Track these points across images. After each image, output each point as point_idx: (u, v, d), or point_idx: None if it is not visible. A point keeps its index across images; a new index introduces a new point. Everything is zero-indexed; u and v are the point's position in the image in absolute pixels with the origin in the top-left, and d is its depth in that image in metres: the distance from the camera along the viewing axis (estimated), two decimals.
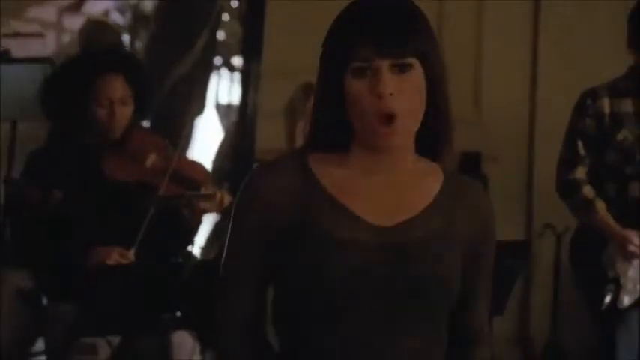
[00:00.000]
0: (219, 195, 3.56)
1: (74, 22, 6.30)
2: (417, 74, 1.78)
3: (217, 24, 6.51)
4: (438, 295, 1.81)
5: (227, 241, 1.86)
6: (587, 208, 3.81)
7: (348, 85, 1.78)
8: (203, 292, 3.05)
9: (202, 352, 3.48)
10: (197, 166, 3.79)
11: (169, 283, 3.21)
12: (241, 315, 1.84)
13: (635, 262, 3.75)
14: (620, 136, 3.79)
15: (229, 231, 1.85)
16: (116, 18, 6.69)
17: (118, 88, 3.51)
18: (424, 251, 1.81)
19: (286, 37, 5.42)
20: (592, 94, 3.85)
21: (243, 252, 1.84)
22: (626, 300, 3.71)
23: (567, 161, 3.87)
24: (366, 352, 1.78)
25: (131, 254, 3.36)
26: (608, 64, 4.16)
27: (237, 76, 6.33)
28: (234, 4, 6.48)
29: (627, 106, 3.82)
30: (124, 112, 3.53)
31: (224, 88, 6.50)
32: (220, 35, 6.55)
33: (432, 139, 1.85)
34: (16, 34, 5.80)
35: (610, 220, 3.78)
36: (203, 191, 3.56)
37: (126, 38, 6.59)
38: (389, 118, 1.76)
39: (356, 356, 1.78)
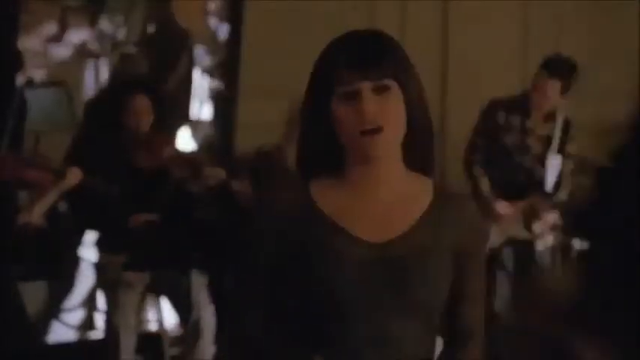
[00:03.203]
0: (217, 170, 4.89)
1: (58, 51, 6.88)
2: (395, 95, 1.90)
3: (194, 49, 7.31)
4: (427, 303, 1.93)
5: (241, 263, 2.02)
6: (475, 181, 5.14)
7: (335, 109, 1.90)
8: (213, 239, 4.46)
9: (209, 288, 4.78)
10: (197, 154, 5.17)
11: (185, 233, 4.59)
12: (256, 320, 1.99)
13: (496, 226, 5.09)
14: (507, 140, 5.14)
15: (244, 254, 2.01)
16: (95, 47, 7.14)
17: (142, 104, 4.80)
18: (413, 264, 1.92)
19: (263, 59, 6.03)
20: (493, 105, 5.16)
21: (256, 271, 1.98)
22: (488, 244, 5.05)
23: (470, 149, 5.19)
24: (366, 347, 1.91)
25: (153, 216, 4.66)
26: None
27: (215, 94, 6.93)
28: (214, 26, 7.06)
29: (516, 120, 5.12)
30: (147, 120, 4.83)
31: (203, 105, 7.12)
32: (200, 58, 7.15)
33: (418, 155, 1.97)
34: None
35: (485, 190, 5.09)
36: (204, 170, 4.86)
37: (104, 63, 7.39)
38: (373, 132, 1.88)
39: (357, 353, 1.92)
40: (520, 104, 5.12)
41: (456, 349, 2.01)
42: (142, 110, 4.76)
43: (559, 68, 5.01)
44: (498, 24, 6.39)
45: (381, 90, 1.89)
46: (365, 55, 1.89)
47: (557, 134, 5.09)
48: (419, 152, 1.96)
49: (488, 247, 4.95)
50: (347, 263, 1.90)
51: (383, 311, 1.90)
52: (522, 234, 5.13)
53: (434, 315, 1.95)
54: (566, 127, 5.13)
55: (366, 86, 1.88)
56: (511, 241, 5.14)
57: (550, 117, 5.12)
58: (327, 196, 1.95)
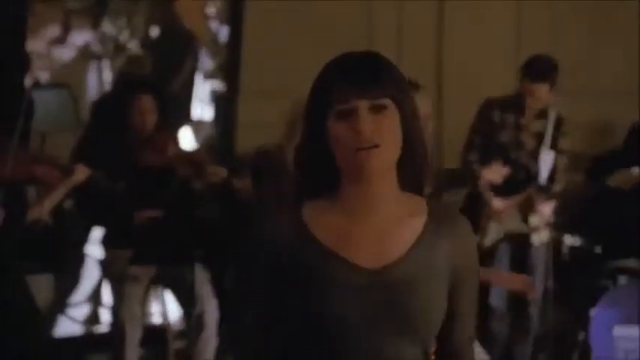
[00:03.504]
0: (219, 169, 5.03)
1: (61, 53, 7.01)
2: (392, 114, 1.91)
3: (199, 52, 7.43)
4: (424, 326, 1.92)
5: (237, 286, 2.02)
6: (474, 178, 5.24)
7: (332, 127, 1.91)
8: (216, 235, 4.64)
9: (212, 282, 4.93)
10: (201, 153, 5.30)
11: (189, 229, 4.79)
12: (255, 340, 1.98)
13: (494, 222, 5.21)
14: (502, 138, 5.27)
15: (238, 277, 2.02)
16: (97, 48, 7.22)
17: (147, 104, 4.98)
18: (409, 288, 1.91)
19: (264, 60, 6.08)
20: (489, 104, 5.29)
21: (251, 292, 1.98)
22: (486, 242, 5.12)
23: (467, 147, 5.32)
24: None
25: (158, 213, 4.83)
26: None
27: (216, 95, 7.04)
28: (215, 29, 7.13)
29: (510, 118, 5.26)
30: (151, 120, 4.99)
31: (204, 106, 7.23)
32: (201, 60, 7.25)
33: (412, 175, 1.96)
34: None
35: (483, 187, 5.20)
36: (208, 170, 4.98)
37: (107, 65, 7.44)
38: (369, 149, 1.89)
39: None
40: (514, 103, 5.27)
41: None
42: (147, 110, 4.93)
43: (540, 71, 5.15)
44: (493, 24, 6.46)
45: (377, 109, 1.90)
46: (362, 74, 1.91)
47: (550, 130, 5.22)
48: (413, 172, 1.96)
49: (486, 244, 5.11)
50: (343, 290, 1.89)
51: (380, 336, 1.89)
52: (520, 227, 5.24)
53: (430, 339, 1.95)
54: (559, 123, 5.26)
55: (363, 105, 1.89)
56: (508, 237, 5.24)
57: (542, 114, 5.26)
58: (320, 220, 1.94)
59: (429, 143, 3.58)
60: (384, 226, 1.93)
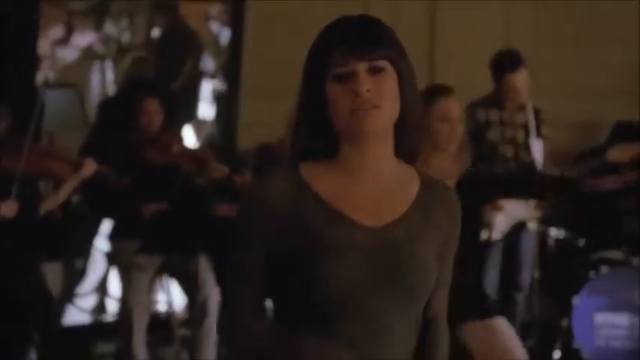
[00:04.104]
0: (221, 167, 5.24)
1: (65, 53, 7.06)
2: (390, 76, 1.89)
3: (201, 53, 7.59)
4: (421, 285, 1.92)
5: (236, 242, 1.94)
6: None
7: (330, 91, 1.89)
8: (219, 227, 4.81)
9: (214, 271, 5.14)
10: (204, 150, 5.47)
11: (192, 222, 5.04)
12: (251, 303, 1.94)
13: (500, 215, 5.31)
14: (490, 136, 5.43)
15: (237, 235, 1.95)
16: (100, 49, 7.28)
17: (154, 106, 5.22)
18: (410, 247, 1.91)
19: (264, 61, 6.22)
20: (471, 106, 5.44)
21: (250, 251, 1.92)
22: (494, 236, 5.22)
23: None
24: (365, 334, 1.88)
25: (163, 206, 5.06)
26: None
27: (218, 95, 7.11)
28: (216, 31, 7.20)
29: (495, 115, 5.43)
30: (157, 120, 5.24)
31: (207, 105, 7.33)
32: (205, 61, 7.32)
33: (407, 142, 1.95)
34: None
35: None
36: (210, 166, 5.20)
37: (110, 65, 7.62)
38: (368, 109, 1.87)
39: (356, 339, 1.88)
40: (495, 100, 5.44)
41: (423, 333, 1.99)
42: (154, 112, 5.18)
43: (514, 59, 5.31)
44: (483, 21, 6.57)
45: (376, 71, 1.88)
46: (360, 36, 1.89)
47: (532, 120, 5.35)
48: (407, 138, 1.94)
49: (501, 234, 5.15)
50: (347, 248, 1.87)
51: (381, 298, 1.88)
52: (525, 215, 5.29)
53: (423, 303, 1.95)
54: (536, 112, 5.41)
55: (361, 67, 1.88)
56: (521, 225, 5.32)
57: (521, 107, 5.40)
58: (320, 179, 1.92)
59: (462, 144, 3.66)
60: (382, 188, 1.92)
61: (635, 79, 6.44)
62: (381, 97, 1.87)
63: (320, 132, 1.91)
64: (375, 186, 1.92)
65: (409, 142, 1.95)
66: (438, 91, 3.64)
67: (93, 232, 5.62)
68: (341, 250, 1.87)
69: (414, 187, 1.96)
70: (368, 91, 1.86)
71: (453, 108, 3.64)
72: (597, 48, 6.60)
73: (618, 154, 5.50)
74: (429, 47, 6.52)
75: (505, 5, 6.60)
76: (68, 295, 5.83)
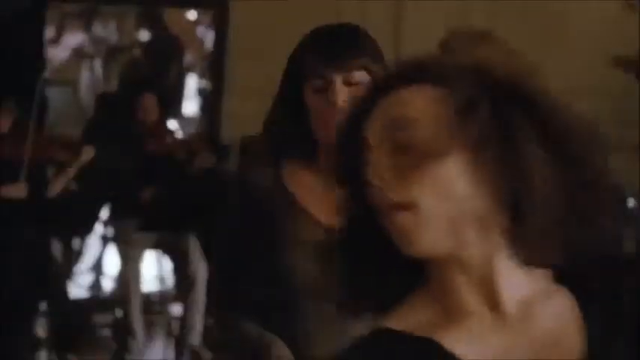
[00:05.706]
0: (207, 154, 5.73)
1: (56, 53, 7.64)
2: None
3: (185, 54, 7.97)
4: None
5: (220, 225, 2.07)
6: None
7: (308, 100, 1.91)
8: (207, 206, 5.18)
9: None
10: (194, 142, 5.98)
11: (183, 204, 5.52)
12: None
13: None
14: None
15: (222, 218, 2.08)
16: (90, 49, 7.85)
17: (151, 101, 5.75)
18: None
19: (248, 62, 6.41)
20: None
21: (234, 239, 2.00)
22: None
23: None
24: (322, 333, 1.92)
25: (158, 190, 5.54)
26: None
27: (203, 93, 7.69)
28: (201, 33, 7.71)
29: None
30: (153, 115, 5.78)
31: (192, 102, 7.95)
32: (189, 62, 7.93)
33: None
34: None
35: None
36: (200, 156, 5.70)
37: (99, 64, 7.94)
38: None
39: (314, 339, 1.93)
40: None
41: None
42: (150, 106, 5.71)
43: None
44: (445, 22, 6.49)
45: (353, 82, 1.90)
46: (338, 47, 1.91)
47: None
48: None
49: None
50: (305, 243, 1.90)
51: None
52: None
53: None
54: None
55: (338, 78, 1.89)
56: None
57: None
58: (298, 181, 1.97)
59: None
60: None
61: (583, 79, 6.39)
62: None
63: (297, 134, 1.96)
64: None
65: None
66: None
67: (93, 215, 6.10)
68: (300, 244, 1.92)
69: None
70: (344, 102, 1.87)
71: None
72: (555, 49, 6.65)
73: None
74: (395, 48, 6.41)
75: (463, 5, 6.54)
76: (68, 271, 6.33)
